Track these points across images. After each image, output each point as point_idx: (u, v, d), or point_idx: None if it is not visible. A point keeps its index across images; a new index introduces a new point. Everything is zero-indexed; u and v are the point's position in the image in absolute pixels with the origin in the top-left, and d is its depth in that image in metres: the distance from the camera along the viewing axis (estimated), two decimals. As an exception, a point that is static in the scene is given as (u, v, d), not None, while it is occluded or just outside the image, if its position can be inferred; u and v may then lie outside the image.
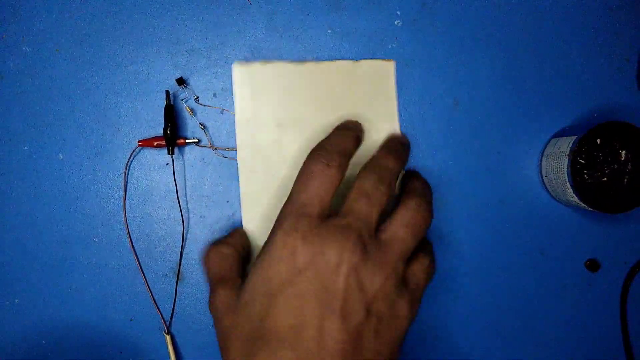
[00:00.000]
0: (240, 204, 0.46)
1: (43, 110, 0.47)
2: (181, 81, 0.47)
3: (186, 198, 0.48)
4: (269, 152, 0.47)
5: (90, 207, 0.48)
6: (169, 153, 0.46)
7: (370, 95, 0.47)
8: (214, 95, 0.48)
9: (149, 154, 0.47)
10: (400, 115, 0.48)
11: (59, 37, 0.47)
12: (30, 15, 0.47)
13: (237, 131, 0.47)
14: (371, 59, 0.47)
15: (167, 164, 0.47)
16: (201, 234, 0.48)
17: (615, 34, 0.48)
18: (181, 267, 0.48)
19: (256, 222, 0.46)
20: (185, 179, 0.48)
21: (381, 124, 0.47)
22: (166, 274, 0.48)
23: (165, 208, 0.48)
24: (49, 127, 0.47)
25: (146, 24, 0.47)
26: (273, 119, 0.47)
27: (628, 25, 0.48)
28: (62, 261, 0.48)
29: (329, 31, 0.48)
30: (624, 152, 0.42)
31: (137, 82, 0.47)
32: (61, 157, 0.47)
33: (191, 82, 0.48)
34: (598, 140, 0.42)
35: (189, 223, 0.48)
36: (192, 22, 0.48)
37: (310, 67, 0.47)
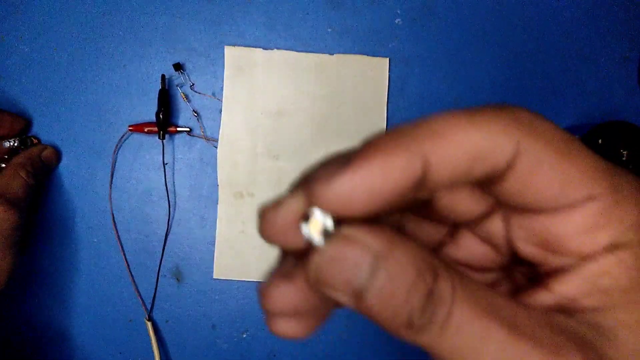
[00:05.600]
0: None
1: (41, 109, 0.47)
2: (178, 66, 0.46)
3: (174, 189, 0.47)
4: (252, 140, 0.47)
5: (90, 208, 0.47)
6: (160, 138, 0.45)
7: (361, 91, 0.47)
8: (213, 94, 0.47)
9: (145, 151, 0.47)
10: (399, 113, 0.47)
11: (57, 36, 0.47)
12: (28, 15, 0.47)
13: (222, 115, 0.47)
14: (367, 55, 0.47)
15: (167, 163, 0.47)
16: (195, 230, 0.47)
17: (615, 33, 0.48)
18: (166, 256, 0.47)
19: (230, 212, 0.46)
20: (174, 170, 0.47)
21: (369, 119, 0.47)
22: (164, 275, 0.47)
23: (163, 205, 0.47)
24: (48, 127, 0.47)
25: (145, 23, 0.47)
26: (259, 106, 0.47)
27: (628, 24, 0.48)
28: (60, 261, 0.47)
29: (328, 30, 0.48)
30: (625, 152, 0.42)
31: (136, 81, 0.47)
32: (61, 157, 0.47)
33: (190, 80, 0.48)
34: (599, 140, 0.42)
35: (174, 217, 0.47)
36: (191, 21, 0.47)
37: (303, 57, 0.47)
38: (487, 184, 0.17)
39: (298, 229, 0.16)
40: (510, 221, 0.19)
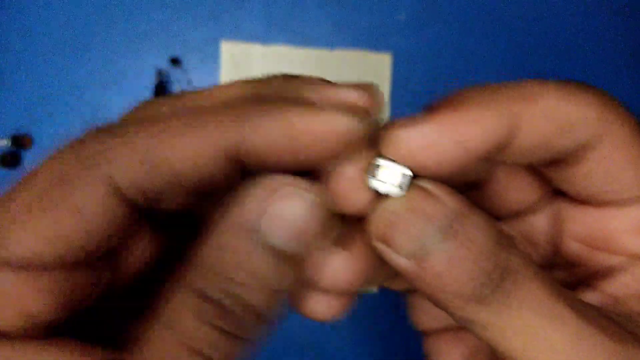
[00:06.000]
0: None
1: (33, 106, 0.46)
2: (175, 61, 0.45)
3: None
4: None
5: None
6: None
7: None
8: (209, 90, 0.46)
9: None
10: (402, 111, 0.46)
11: (50, 32, 0.45)
12: (20, 10, 0.45)
13: None
14: (369, 50, 0.46)
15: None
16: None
17: (624, 30, 0.47)
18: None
19: None
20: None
21: None
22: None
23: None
24: (40, 124, 0.46)
25: (139, 18, 0.46)
26: None
27: (635, 20, 0.47)
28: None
29: (328, 24, 0.46)
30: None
31: (128, 77, 0.46)
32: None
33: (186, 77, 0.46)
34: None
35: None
36: (186, 15, 0.46)
37: (303, 53, 0.46)
38: (560, 164, 0.16)
39: (363, 186, 0.14)
40: (560, 215, 0.18)
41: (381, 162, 0.14)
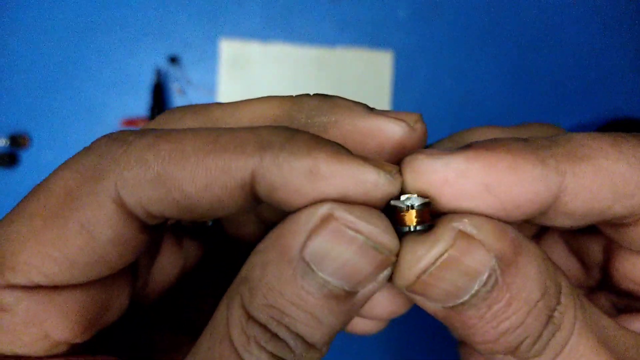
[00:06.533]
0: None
1: (31, 105, 0.45)
2: (174, 60, 0.45)
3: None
4: None
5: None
6: None
7: (363, 86, 0.45)
8: (208, 89, 0.46)
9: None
10: (404, 109, 0.46)
11: (48, 31, 0.45)
12: (19, 9, 0.45)
13: None
14: (369, 49, 0.46)
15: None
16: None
17: (626, 29, 0.47)
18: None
19: None
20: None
21: None
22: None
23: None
24: (38, 122, 0.45)
25: (137, 17, 0.45)
26: None
27: (636, 20, 0.47)
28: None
29: (329, 23, 0.46)
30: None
31: (127, 75, 0.45)
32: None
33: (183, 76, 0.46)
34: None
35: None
36: (185, 13, 0.45)
37: (303, 51, 0.45)
38: (612, 225, 0.14)
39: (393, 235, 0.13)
40: (614, 251, 0.16)
41: (396, 202, 0.13)
